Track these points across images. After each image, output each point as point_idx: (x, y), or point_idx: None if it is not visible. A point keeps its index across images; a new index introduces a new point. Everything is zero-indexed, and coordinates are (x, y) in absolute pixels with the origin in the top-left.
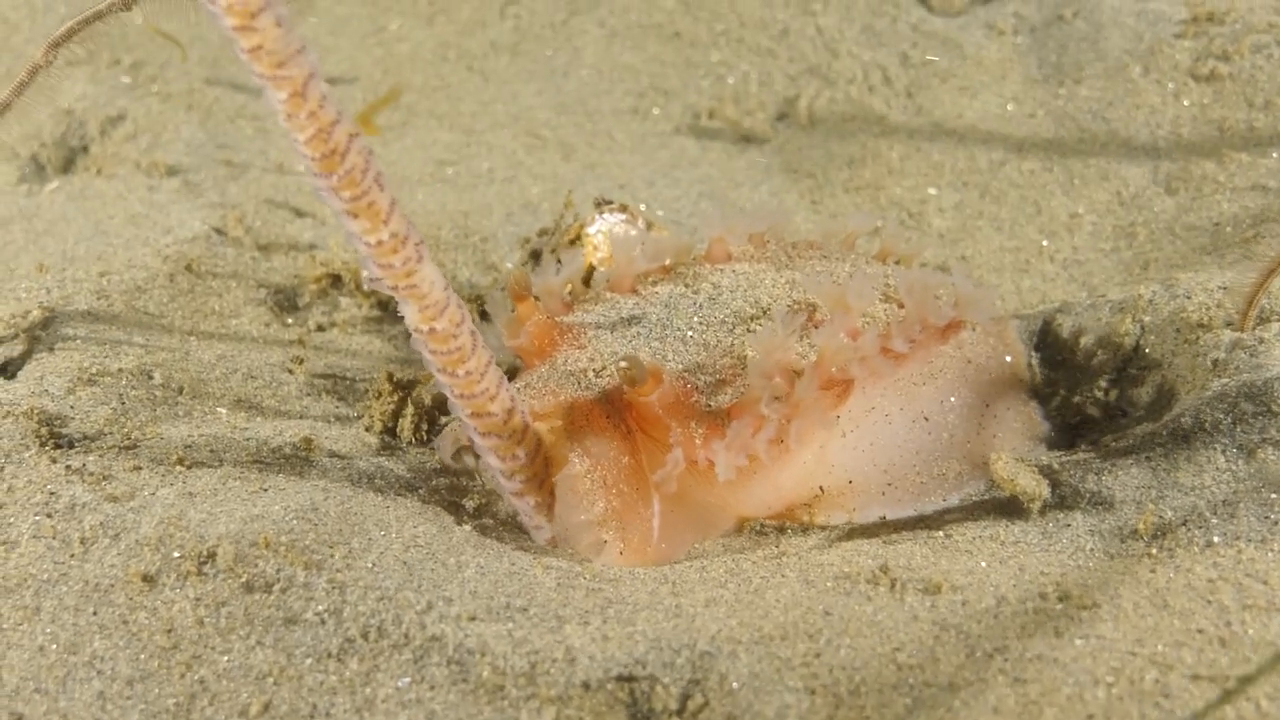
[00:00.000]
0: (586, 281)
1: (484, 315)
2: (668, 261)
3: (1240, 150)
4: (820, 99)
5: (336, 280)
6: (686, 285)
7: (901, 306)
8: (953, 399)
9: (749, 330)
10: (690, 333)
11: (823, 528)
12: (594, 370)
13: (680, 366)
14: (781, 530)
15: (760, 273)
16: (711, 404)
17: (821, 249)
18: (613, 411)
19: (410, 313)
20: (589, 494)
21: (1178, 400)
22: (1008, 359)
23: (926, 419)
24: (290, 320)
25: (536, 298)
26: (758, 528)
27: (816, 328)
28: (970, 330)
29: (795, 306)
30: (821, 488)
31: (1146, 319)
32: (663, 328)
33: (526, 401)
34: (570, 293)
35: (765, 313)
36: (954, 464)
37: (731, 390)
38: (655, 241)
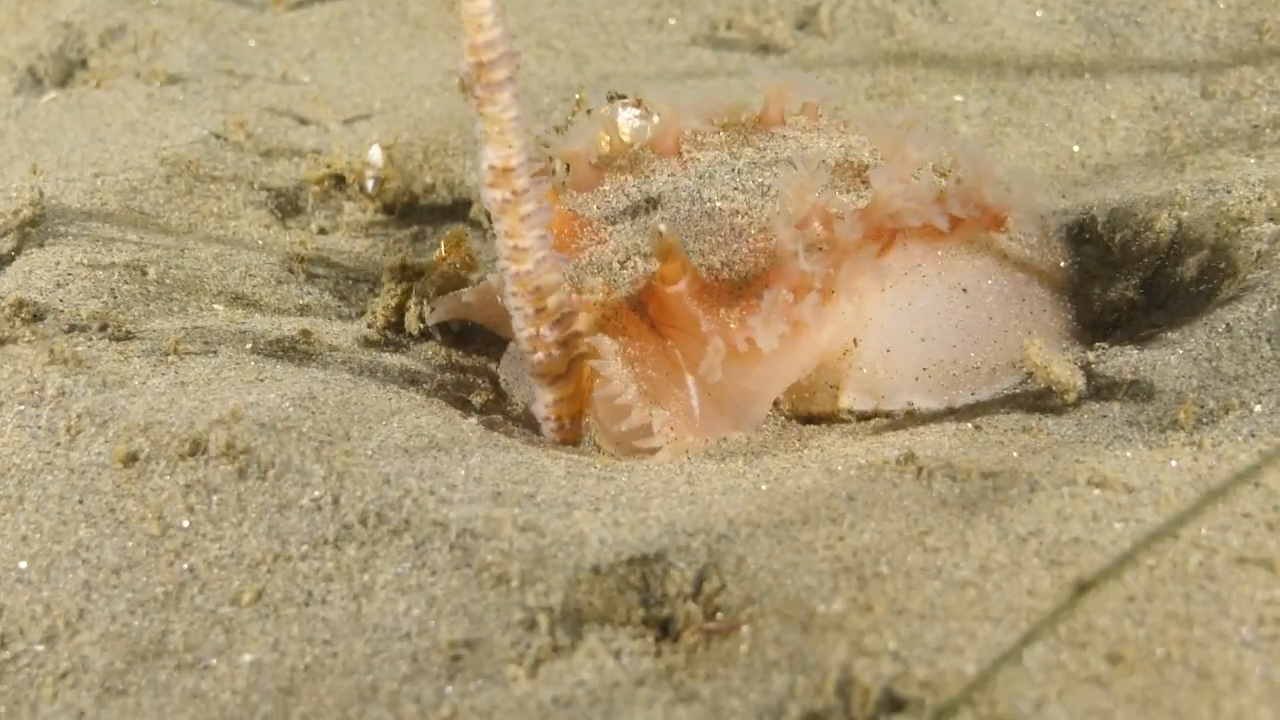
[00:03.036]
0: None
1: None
2: (716, 121)
3: None
4: (842, 7)
5: (340, 181)
6: (731, 153)
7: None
8: (990, 282)
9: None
10: (720, 203)
11: (848, 415)
12: (618, 262)
13: (705, 247)
14: (805, 423)
15: (813, 138)
16: (740, 278)
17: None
18: (637, 305)
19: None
20: (624, 375)
21: (1219, 294)
22: (1049, 258)
23: (965, 291)
24: (292, 224)
25: (567, 167)
26: (780, 426)
27: (865, 185)
28: (1014, 223)
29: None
30: (855, 340)
31: (1184, 214)
32: (690, 202)
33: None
34: (601, 156)
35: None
36: (988, 353)
37: (762, 257)
38: (705, 98)
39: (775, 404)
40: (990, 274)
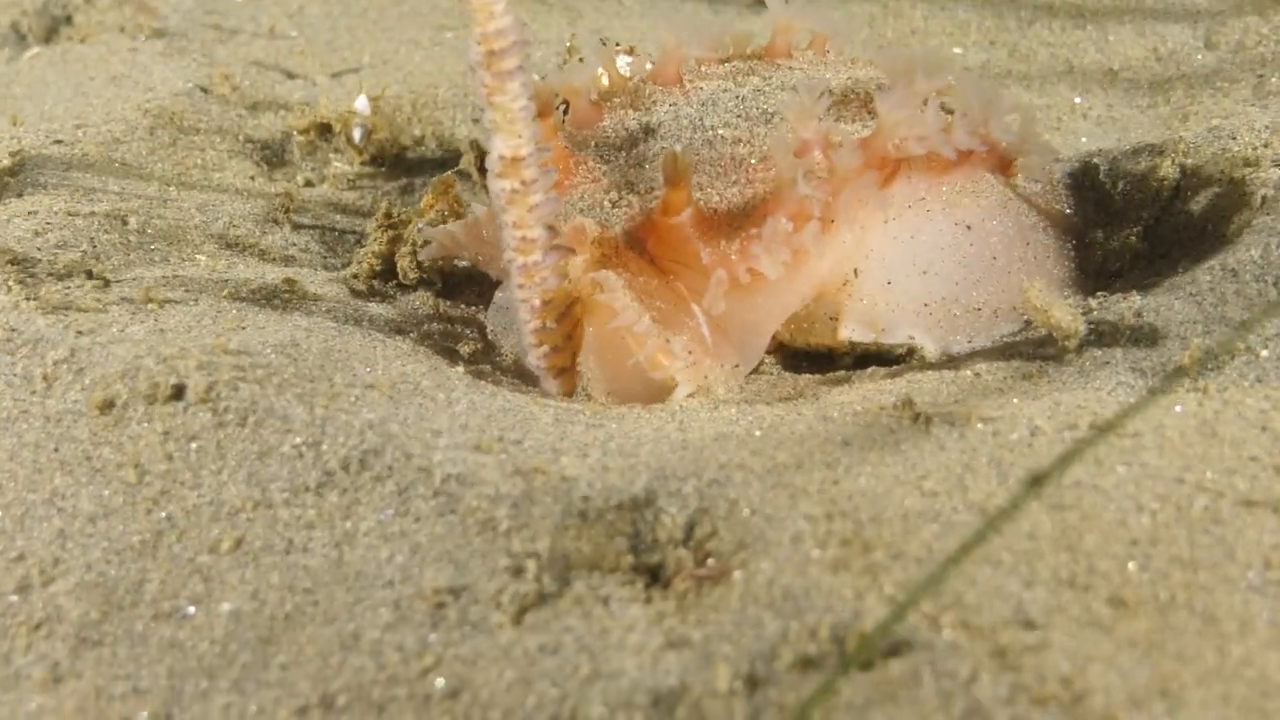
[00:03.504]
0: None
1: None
2: (720, 53)
3: None
4: None
5: (326, 132)
6: (736, 81)
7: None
8: (995, 222)
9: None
10: (723, 130)
11: (847, 348)
12: (610, 201)
13: (704, 178)
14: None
15: (819, 69)
16: (740, 209)
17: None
18: (633, 242)
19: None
20: (635, 306)
21: (1223, 239)
22: (1054, 204)
23: (969, 229)
24: (278, 176)
25: (565, 104)
26: (775, 377)
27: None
28: (1021, 167)
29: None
30: (856, 270)
31: (1188, 161)
32: (693, 130)
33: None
34: (601, 92)
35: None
36: (991, 294)
37: (762, 187)
38: (707, 26)
39: (776, 339)
40: (996, 214)
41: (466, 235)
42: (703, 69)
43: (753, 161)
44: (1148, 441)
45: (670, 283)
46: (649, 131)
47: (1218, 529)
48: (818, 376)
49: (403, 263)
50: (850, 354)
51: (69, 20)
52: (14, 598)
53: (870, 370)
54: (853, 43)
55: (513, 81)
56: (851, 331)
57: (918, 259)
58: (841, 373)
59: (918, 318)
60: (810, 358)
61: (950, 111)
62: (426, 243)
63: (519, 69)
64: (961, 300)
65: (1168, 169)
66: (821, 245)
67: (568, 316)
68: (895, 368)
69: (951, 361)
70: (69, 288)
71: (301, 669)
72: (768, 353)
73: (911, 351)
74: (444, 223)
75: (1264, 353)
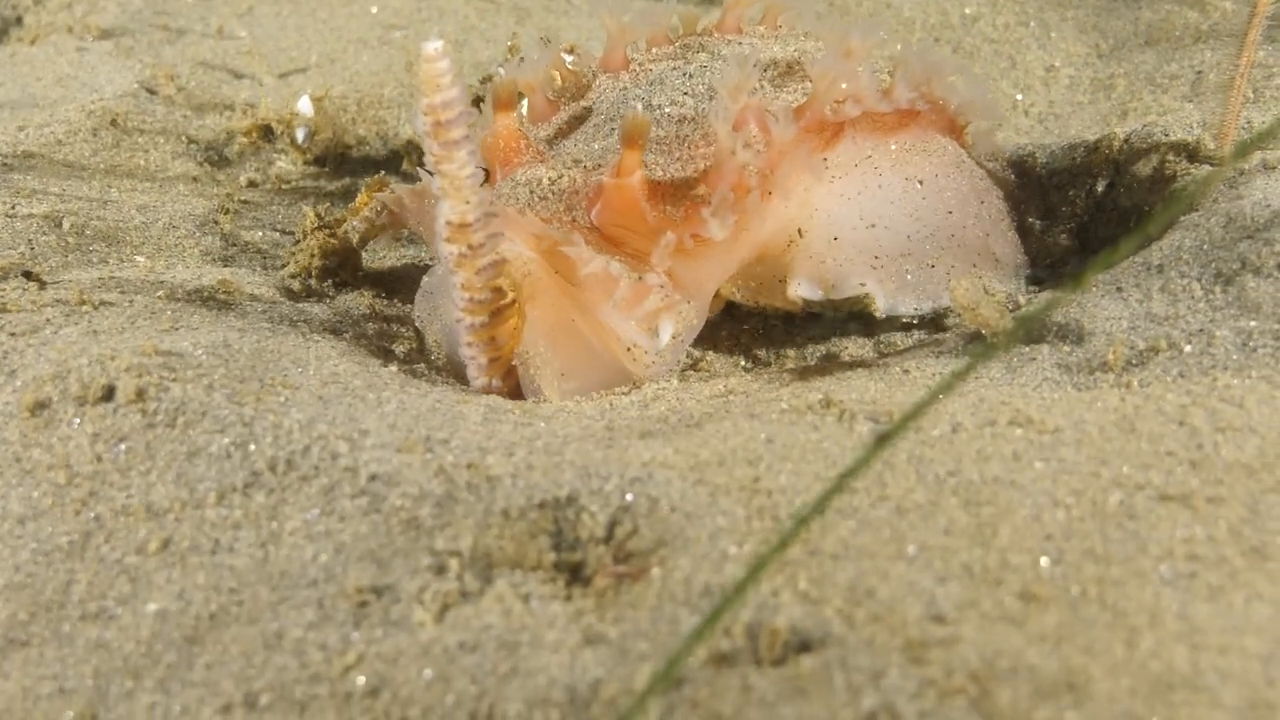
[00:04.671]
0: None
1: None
2: (669, 33)
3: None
4: None
5: (269, 132)
6: (685, 59)
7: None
8: (948, 180)
9: None
10: (669, 109)
11: (799, 307)
12: (550, 179)
13: (651, 157)
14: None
15: (767, 43)
16: (683, 183)
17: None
18: (575, 211)
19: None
20: (598, 258)
21: (1151, 236)
22: (1003, 170)
23: (921, 183)
24: (221, 177)
25: (521, 95)
26: (709, 376)
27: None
28: (972, 133)
29: (771, 62)
30: (800, 230)
31: (1122, 159)
32: (644, 108)
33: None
34: (556, 89)
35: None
36: (945, 250)
37: (706, 154)
38: (653, 10)
39: (725, 299)
40: (950, 172)
41: (413, 201)
42: (653, 50)
43: (696, 138)
44: (1067, 437)
45: (616, 250)
46: (596, 113)
47: (1131, 523)
48: (751, 373)
49: (348, 233)
50: (802, 312)
51: (19, 21)
52: None
53: (800, 367)
54: (803, 16)
55: (459, 150)
56: (800, 289)
57: (865, 213)
58: (773, 369)
59: (869, 269)
60: (771, 318)
61: (890, 73)
62: (368, 220)
63: (465, 138)
64: (914, 255)
65: (1101, 166)
66: (763, 212)
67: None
68: (824, 364)
69: (881, 359)
70: (4, 290)
71: (225, 668)
72: (710, 320)
73: (864, 309)
74: (377, 220)
75: (1187, 348)
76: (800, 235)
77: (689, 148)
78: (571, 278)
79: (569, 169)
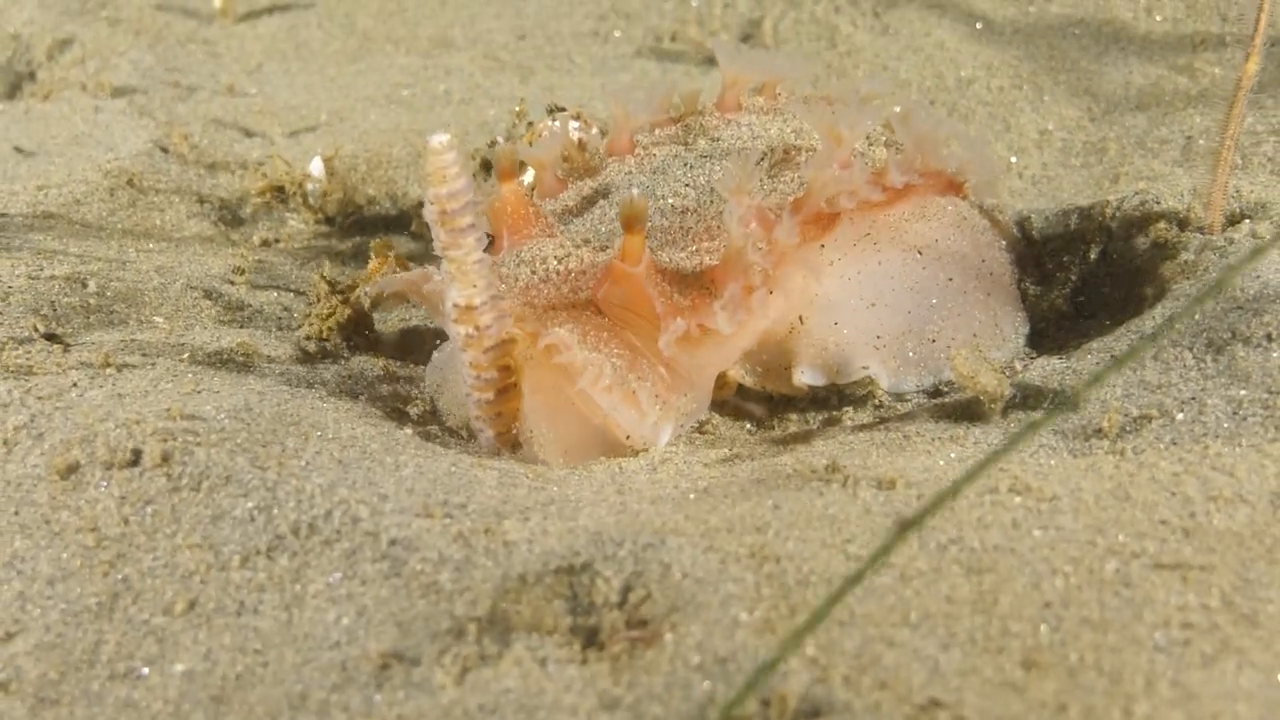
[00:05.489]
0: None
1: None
2: (672, 112)
3: (1214, 65)
4: (785, 20)
5: (282, 193)
6: (686, 145)
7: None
8: (949, 242)
9: None
10: (672, 200)
11: (806, 392)
12: (557, 258)
13: (655, 243)
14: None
15: (766, 124)
16: (689, 273)
17: (834, 102)
18: (579, 301)
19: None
20: (595, 359)
21: (1145, 303)
22: (1004, 217)
23: (920, 252)
24: (235, 236)
25: (524, 165)
26: (714, 435)
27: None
28: (972, 189)
29: (769, 150)
30: (801, 317)
31: (1114, 225)
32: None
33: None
34: (564, 168)
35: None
36: (946, 320)
37: (711, 248)
38: (652, 88)
39: (733, 383)
40: (949, 234)
41: (422, 281)
42: (656, 132)
43: (700, 230)
44: (1064, 505)
45: (619, 332)
46: (604, 195)
47: (1127, 591)
48: (756, 434)
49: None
50: (807, 396)
51: (32, 76)
52: None
53: (804, 431)
54: (802, 83)
55: (467, 237)
56: (804, 376)
57: (865, 294)
58: (777, 433)
59: (872, 351)
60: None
61: (880, 143)
62: (379, 293)
63: (472, 226)
64: (915, 331)
65: (1094, 233)
66: (766, 307)
67: (509, 400)
68: (829, 427)
69: (882, 423)
70: (30, 352)
71: None
72: (717, 399)
73: (870, 393)
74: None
75: (1179, 416)
76: (801, 322)
77: (693, 240)
78: (560, 385)
79: (578, 248)
